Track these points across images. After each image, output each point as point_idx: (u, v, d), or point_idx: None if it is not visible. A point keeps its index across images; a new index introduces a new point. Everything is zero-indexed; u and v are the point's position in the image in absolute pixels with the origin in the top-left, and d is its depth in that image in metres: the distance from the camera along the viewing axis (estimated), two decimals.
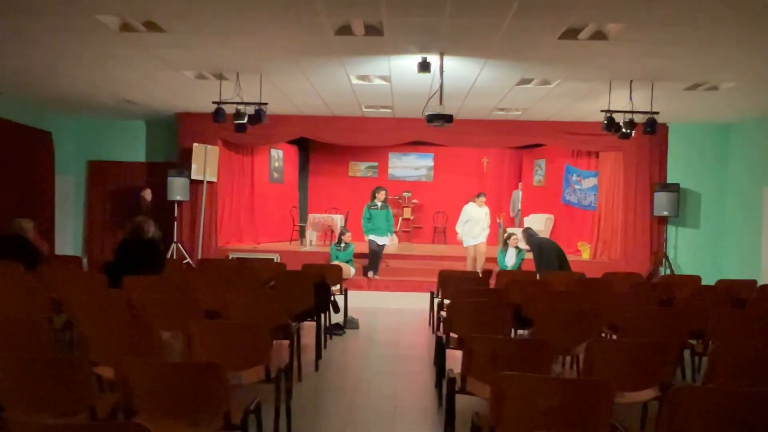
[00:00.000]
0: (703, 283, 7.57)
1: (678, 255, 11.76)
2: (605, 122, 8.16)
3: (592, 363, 3.24)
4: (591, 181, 12.77)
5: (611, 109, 8.23)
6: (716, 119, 11.22)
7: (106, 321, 3.62)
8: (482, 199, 10.67)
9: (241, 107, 8.26)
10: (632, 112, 8.12)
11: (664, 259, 11.58)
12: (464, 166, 15.61)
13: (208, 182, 11.66)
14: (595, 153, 12.66)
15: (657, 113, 8.15)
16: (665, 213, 11.37)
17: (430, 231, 15.69)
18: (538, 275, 7.79)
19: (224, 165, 12.27)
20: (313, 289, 5.09)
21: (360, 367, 5.50)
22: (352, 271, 10.11)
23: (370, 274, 10.84)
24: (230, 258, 11.43)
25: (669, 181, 11.67)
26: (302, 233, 13.65)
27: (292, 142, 14.88)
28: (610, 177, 11.94)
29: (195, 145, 11.45)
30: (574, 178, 13.24)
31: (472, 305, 4.36)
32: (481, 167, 15.86)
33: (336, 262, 9.73)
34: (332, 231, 13.28)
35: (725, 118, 11.13)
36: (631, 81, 8.00)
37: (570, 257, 12.44)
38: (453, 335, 4.46)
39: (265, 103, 8.30)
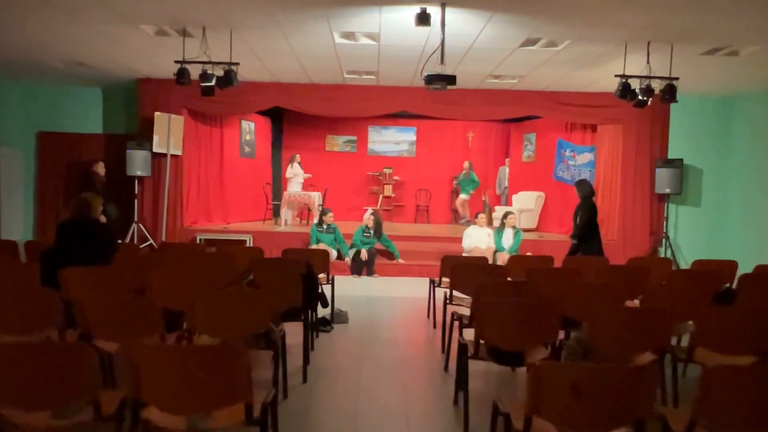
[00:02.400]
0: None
1: (678, 235, 11.09)
2: (620, 89, 7.31)
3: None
4: (586, 157, 11.99)
5: (626, 74, 7.36)
6: (723, 91, 10.49)
7: (16, 348, 2.59)
8: (482, 218, 9.50)
9: (208, 68, 7.17)
10: (650, 77, 7.28)
11: (664, 240, 10.90)
12: (448, 141, 14.70)
13: (171, 156, 10.54)
14: (591, 127, 11.87)
15: (677, 79, 7.33)
16: (667, 190, 10.66)
17: (412, 209, 14.80)
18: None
19: (190, 137, 11.13)
20: (300, 283, 4.15)
21: (357, 376, 4.55)
22: (334, 254, 9.19)
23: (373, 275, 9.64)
24: (198, 240, 10.41)
25: (669, 156, 10.96)
26: (276, 212, 12.63)
27: (265, 114, 13.77)
28: (608, 152, 11.16)
29: (157, 114, 10.30)
30: (567, 153, 12.45)
31: (508, 307, 3.45)
32: (466, 142, 14.99)
33: (319, 245, 8.81)
34: (309, 210, 12.31)
35: (732, 90, 10.42)
36: (649, 42, 7.16)
37: (566, 237, 11.75)
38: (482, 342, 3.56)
39: (236, 63, 7.21)
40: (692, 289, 4.44)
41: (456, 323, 4.64)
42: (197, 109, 10.85)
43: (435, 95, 10.88)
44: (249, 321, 3.40)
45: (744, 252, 10.69)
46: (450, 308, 5.08)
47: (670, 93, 7.24)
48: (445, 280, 5.84)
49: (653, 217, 11.05)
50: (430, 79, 6.30)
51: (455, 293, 5.24)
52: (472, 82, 10.45)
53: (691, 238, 11.06)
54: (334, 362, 4.93)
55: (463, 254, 9.18)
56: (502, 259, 8.67)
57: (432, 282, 6.06)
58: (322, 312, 5.77)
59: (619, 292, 4.10)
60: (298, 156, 12.88)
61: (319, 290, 5.31)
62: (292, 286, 4.05)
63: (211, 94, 7.31)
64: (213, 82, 7.12)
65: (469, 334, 3.77)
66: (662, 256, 10.96)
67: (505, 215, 9.02)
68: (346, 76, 10.14)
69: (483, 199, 14.32)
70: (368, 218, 10.65)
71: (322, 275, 5.77)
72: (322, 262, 5.68)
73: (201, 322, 3.42)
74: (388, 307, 6.83)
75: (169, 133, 10.39)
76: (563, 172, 12.62)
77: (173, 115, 10.45)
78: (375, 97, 10.91)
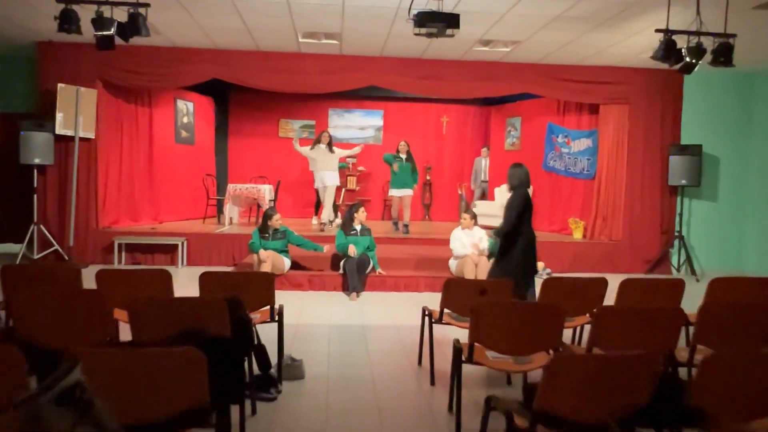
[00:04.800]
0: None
1: (691, 234, 9.53)
2: (662, 48, 5.57)
3: None
4: (583, 143, 10.32)
5: (668, 28, 5.61)
6: (743, 64, 8.94)
7: None
8: (466, 219, 7.32)
9: (104, 9, 5.09)
10: (699, 33, 5.56)
11: (677, 240, 9.32)
12: (420, 127, 12.83)
13: (81, 139, 8.39)
14: (589, 108, 10.19)
15: (734, 36, 5.63)
16: (683, 182, 9.07)
17: (379, 205, 12.91)
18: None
19: (108, 117, 8.98)
20: (219, 353, 2.25)
21: None
22: (287, 263, 7.23)
23: (353, 295, 7.02)
24: (116, 245, 8.32)
25: (682, 142, 9.38)
26: (220, 209, 10.58)
27: (206, 92, 11.65)
28: (613, 137, 9.49)
29: (60, 86, 8.14)
30: (560, 139, 10.75)
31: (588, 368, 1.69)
32: (440, 128, 13.16)
33: (262, 255, 6.82)
34: (258, 206, 10.29)
35: (756, 64, 8.86)
36: None
37: (558, 237, 10.10)
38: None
39: (146, 5, 5.15)
40: None
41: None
42: (114, 80, 8.70)
43: (408, 68, 9.04)
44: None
45: (765, 254, 9.23)
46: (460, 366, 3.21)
47: (725, 54, 5.54)
48: (454, 315, 4.01)
49: (664, 213, 9.46)
50: (422, 20, 4.47)
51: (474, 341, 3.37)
52: (455, 51, 8.62)
53: (704, 238, 9.50)
54: None
55: (452, 258, 7.36)
56: None
57: (427, 315, 4.14)
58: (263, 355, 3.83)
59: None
60: (327, 134, 9.66)
61: (255, 339, 3.37)
62: (196, 372, 2.12)
63: (108, 47, 5.24)
64: (112, 31, 5.05)
65: None
66: (675, 259, 9.40)
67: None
68: (301, 40, 8.17)
69: (459, 192, 12.56)
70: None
71: (258, 313, 3.83)
72: (263, 293, 3.73)
73: None
74: (360, 346, 4.88)
75: (78, 110, 8.23)
76: (555, 161, 10.93)
77: (83, 88, 8.30)
78: (337, 68, 8.98)
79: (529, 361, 3.01)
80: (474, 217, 7.30)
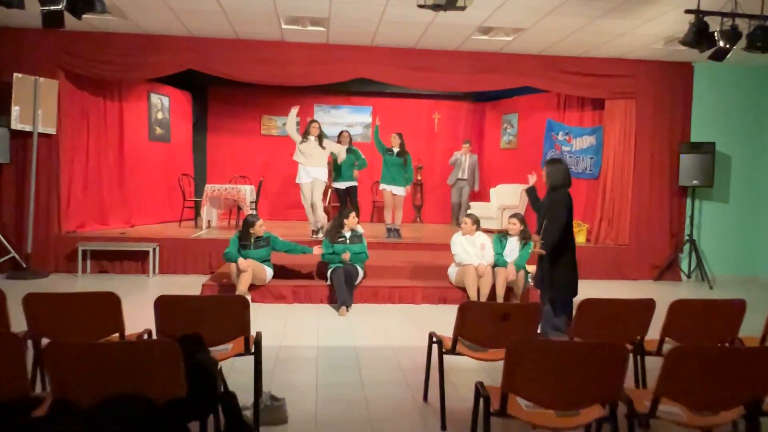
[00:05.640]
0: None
1: (701, 238, 8.94)
2: (693, 31, 4.93)
3: None
4: (586, 141, 9.69)
5: (699, 9, 4.97)
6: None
7: None
8: (468, 223, 6.56)
9: None
10: (734, 15, 4.93)
11: (687, 245, 8.73)
12: (410, 124, 12.12)
13: (41, 135, 7.60)
14: (592, 104, 9.59)
15: None
16: (695, 182, 8.47)
17: (367, 207, 12.19)
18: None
19: (73, 111, 8.19)
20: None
21: None
22: (269, 273, 6.50)
23: (343, 309, 6.15)
24: (79, 252, 7.55)
25: (692, 139, 8.80)
26: (198, 211, 9.81)
27: (183, 86, 10.89)
28: (619, 134, 8.86)
29: (17, 76, 7.34)
30: (560, 137, 10.12)
31: None
32: (432, 125, 12.50)
33: (242, 264, 6.07)
34: (239, 208, 9.55)
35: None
36: None
37: None
38: None
39: None
40: None
41: None
42: (78, 70, 7.90)
43: (401, 58, 8.36)
44: None
45: None
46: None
47: (763, 38, 4.91)
48: (468, 344, 3.32)
49: (673, 215, 8.87)
50: None
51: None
52: (451, 41, 7.96)
53: (714, 243, 8.91)
54: None
55: (453, 265, 6.67)
56: (505, 275, 6.23)
57: (435, 342, 3.41)
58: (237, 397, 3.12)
59: None
60: (317, 125, 8.44)
61: (222, 386, 2.65)
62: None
63: (56, 25, 4.48)
64: (61, 6, 4.30)
65: None
66: (684, 264, 8.81)
67: (510, 218, 6.52)
68: (284, 27, 7.45)
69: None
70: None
71: (231, 344, 3.09)
72: (236, 318, 2.97)
73: None
74: (353, 375, 4.15)
75: (36, 103, 7.45)
76: None
77: (42, 79, 7.51)
78: (324, 59, 8.26)
79: (576, 415, 2.34)
80: (476, 221, 6.60)
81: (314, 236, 8.25)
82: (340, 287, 6.16)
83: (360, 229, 6.76)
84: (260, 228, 6.31)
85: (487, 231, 7.76)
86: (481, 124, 12.31)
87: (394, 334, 5.33)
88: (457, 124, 12.49)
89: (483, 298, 6.25)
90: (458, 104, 12.42)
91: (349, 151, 8.81)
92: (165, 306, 2.88)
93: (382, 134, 9.04)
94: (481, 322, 3.06)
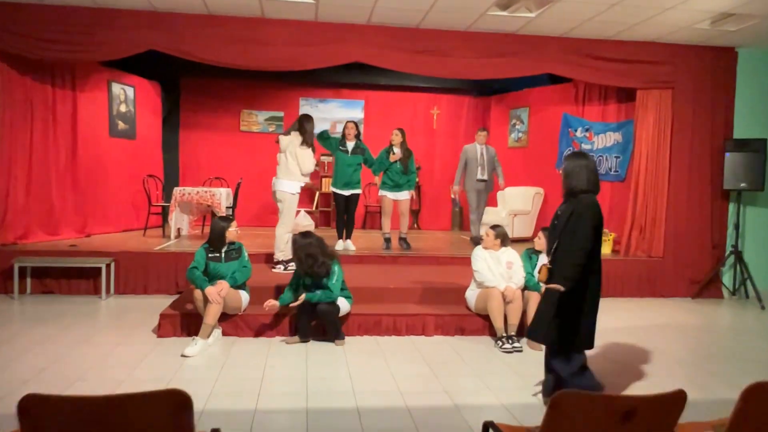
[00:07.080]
0: None
1: (746, 249, 7.78)
2: None
3: None
4: (610, 138, 8.52)
5: None
6: None
7: None
8: (490, 236, 5.28)
9: None
10: None
11: (731, 257, 7.59)
12: (407, 119, 10.88)
13: None
14: (617, 96, 8.43)
15: None
16: (743, 185, 7.32)
17: (359, 212, 10.93)
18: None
19: (11, 99, 6.86)
20: None
21: None
22: (245, 299, 5.21)
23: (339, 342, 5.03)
24: (15, 268, 6.23)
25: (734, 135, 7.67)
26: (165, 217, 8.50)
27: (151, 76, 9.57)
28: (653, 130, 7.68)
29: None
30: (579, 133, 8.94)
31: None
32: (430, 121, 11.30)
33: (211, 294, 4.74)
34: (213, 214, 8.24)
35: None
36: None
37: None
38: None
39: None
40: None
41: None
42: (15, 50, 6.56)
43: (402, 40, 7.11)
44: None
45: None
46: None
47: None
48: None
49: (715, 223, 7.72)
50: None
51: None
52: (464, 18, 6.74)
53: (763, 255, 7.77)
54: None
55: (473, 285, 5.42)
56: (536, 300, 5.00)
57: None
58: None
59: None
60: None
61: None
62: None
63: None
64: None
65: None
66: (727, 279, 7.67)
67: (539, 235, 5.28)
68: (265, 1, 6.17)
69: (452, 197, 10.70)
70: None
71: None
72: (166, 427, 1.74)
73: None
74: None
75: None
76: None
77: None
78: (312, 39, 7.00)
79: None
80: (502, 236, 5.32)
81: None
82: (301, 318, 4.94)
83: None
84: (234, 232, 5.02)
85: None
86: (485, 119, 11.11)
87: (404, 383, 4.07)
88: (459, 120, 11.31)
89: (511, 330, 5.03)
90: (460, 98, 11.24)
91: (356, 148, 7.51)
92: (47, 411, 1.48)
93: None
94: (589, 423, 1.81)
